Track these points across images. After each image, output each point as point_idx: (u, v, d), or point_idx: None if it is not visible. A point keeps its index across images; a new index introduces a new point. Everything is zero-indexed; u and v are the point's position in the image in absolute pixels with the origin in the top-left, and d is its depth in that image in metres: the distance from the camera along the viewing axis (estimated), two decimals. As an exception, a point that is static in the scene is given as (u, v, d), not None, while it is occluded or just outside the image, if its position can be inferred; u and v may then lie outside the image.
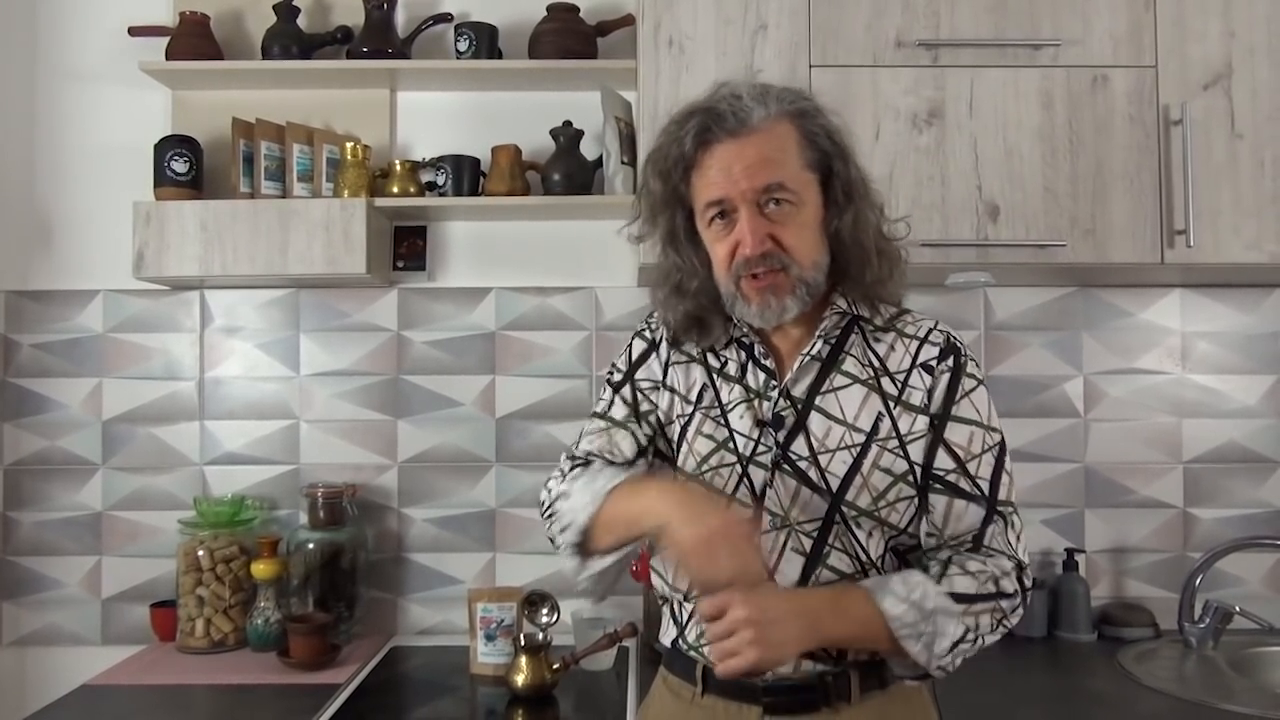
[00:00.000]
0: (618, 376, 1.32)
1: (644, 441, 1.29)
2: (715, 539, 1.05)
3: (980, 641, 1.13)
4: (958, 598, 1.11)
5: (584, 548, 1.20)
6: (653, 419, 1.29)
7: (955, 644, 1.11)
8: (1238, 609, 1.89)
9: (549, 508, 1.27)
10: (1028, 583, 1.17)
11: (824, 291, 1.22)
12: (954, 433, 1.19)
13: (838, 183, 1.20)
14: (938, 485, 1.18)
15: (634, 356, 1.32)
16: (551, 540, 1.27)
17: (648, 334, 1.33)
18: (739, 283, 1.19)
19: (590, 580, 1.23)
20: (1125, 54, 1.81)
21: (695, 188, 1.20)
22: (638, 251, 1.86)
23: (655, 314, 1.34)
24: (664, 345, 1.30)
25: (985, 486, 1.18)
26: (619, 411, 1.30)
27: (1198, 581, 1.95)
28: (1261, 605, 2.00)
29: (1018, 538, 1.18)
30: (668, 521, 1.08)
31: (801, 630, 1.08)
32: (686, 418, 1.25)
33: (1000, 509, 1.18)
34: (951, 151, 1.81)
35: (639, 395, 1.30)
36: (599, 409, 1.32)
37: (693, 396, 1.26)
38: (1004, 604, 1.14)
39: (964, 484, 1.17)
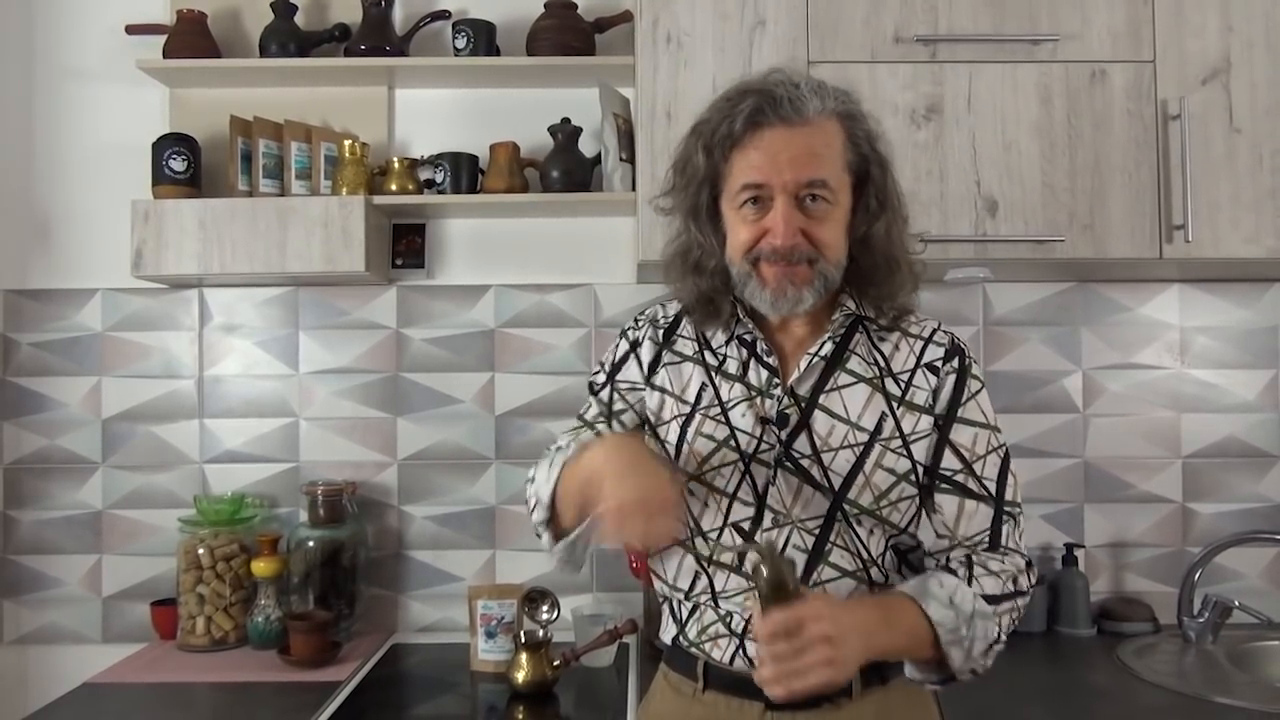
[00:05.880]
0: (601, 378, 1.32)
1: None
2: (631, 507, 1.02)
3: (1001, 643, 1.14)
4: (989, 599, 1.12)
5: (554, 525, 1.20)
6: (626, 418, 1.28)
7: (990, 646, 1.12)
8: (1237, 603, 1.90)
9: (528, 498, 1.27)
10: (1034, 579, 1.19)
11: (833, 292, 1.22)
12: (959, 434, 1.20)
13: (873, 189, 1.20)
14: (945, 485, 1.19)
15: (616, 358, 1.32)
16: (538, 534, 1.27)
17: (631, 334, 1.32)
18: (756, 264, 1.17)
19: (563, 552, 1.22)
20: (1124, 49, 1.81)
21: (734, 166, 1.18)
22: (637, 248, 1.86)
23: (644, 311, 1.34)
24: (647, 344, 1.29)
25: (992, 487, 1.19)
26: (591, 412, 1.31)
27: (1197, 576, 1.95)
28: (1260, 599, 2.00)
29: (1021, 536, 1.20)
30: (602, 481, 1.05)
31: (862, 646, 1.05)
32: (684, 418, 1.24)
33: (1009, 509, 1.19)
34: (950, 147, 1.81)
35: (615, 395, 1.30)
36: (580, 411, 1.33)
37: (689, 396, 1.24)
38: (1020, 602, 1.15)
39: (971, 484, 1.18)
